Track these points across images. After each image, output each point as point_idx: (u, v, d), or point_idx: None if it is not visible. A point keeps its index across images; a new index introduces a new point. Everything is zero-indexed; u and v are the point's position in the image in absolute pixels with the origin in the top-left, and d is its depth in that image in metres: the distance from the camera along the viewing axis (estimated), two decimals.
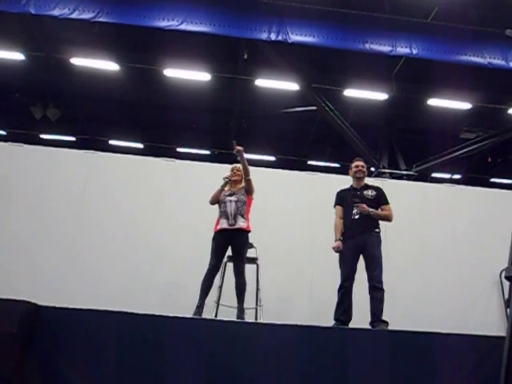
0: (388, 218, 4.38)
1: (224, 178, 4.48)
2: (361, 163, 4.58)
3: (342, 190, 4.57)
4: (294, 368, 3.03)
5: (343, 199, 4.46)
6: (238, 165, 4.56)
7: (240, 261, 4.27)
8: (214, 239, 4.31)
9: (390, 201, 4.44)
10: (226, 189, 4.48)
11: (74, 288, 5.09)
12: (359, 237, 4.19)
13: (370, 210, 4.23)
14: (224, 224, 4.26)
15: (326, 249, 4.41)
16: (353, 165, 4.60)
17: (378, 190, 4.47)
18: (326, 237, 4.45)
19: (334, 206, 4.51)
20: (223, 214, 4.30)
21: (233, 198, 4.35)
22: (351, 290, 4.14)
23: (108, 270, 5.37)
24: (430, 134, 11.31)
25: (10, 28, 8.70)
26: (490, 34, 8.20)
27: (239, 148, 4.33)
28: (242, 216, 4.30)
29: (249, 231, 4.35)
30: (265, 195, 5.82)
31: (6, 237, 5.38)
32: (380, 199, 4.40)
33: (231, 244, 4.28)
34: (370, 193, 4.40)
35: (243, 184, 4.49)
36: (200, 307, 4.02)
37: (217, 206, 4.48)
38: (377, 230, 4.27)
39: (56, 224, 5.56)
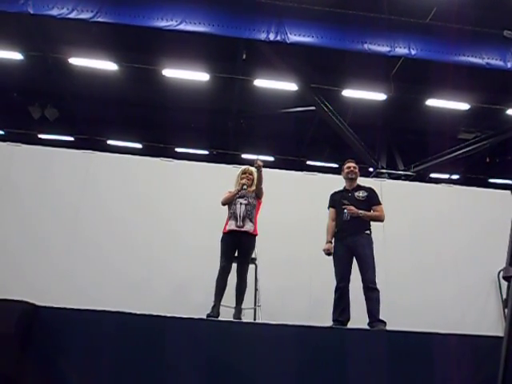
0: (379, 219, 4.37)
1: (243, 187, 4.41)
2: (353, 164, 4.58)
3: (335, 192, 4.59)
4: (292, 368, 3.03)
5: (335, 201, 4.47)
6: (251, 168, 4.57)
7: (245, 263, 4.30)
8: (222, 240, 4.32)
9: (388, 201, 4.46)
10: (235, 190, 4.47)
11: (72, 287, 5.09)
12: (349, 238, 4.21)
13: (360, 211, 4.23)
14: (232, 225, 4.27)
15: None
16: (345, 166, 4.60)
17: (369, 190, 4.46)
18: (325, 237, 4.46)
19: (328, 208, 4.54)
20: (232, 216, 4.31)
21: (243, 201, 4.35)
22: (347, 290, 4.15)
23: (106, 270, 5.36)
24: (429, 135, 11.33)
25: (9, 28, 8.68)
26: (489, 34, 8.22)
27: (260, 163, 4.33)
28: (251, 220, 4.31)
29: (255, 235, 4.36)
30: (263, 195, 5.83)
31: (3, 236, 5.38)
32: (371, 200, 4.39)
33: (238, 246, 4.29)
34: (360, 194, 4.40)
35: (253, 187, 4.49)
36: (215, 307, 4.06)
37: (222, 206, 4.48)
38: (367, 232, 4.27)
39: (54, 224, 5.55)
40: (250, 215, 4.32)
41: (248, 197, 4.40)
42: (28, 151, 5.95)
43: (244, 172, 4.59)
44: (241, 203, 4.33)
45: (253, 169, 4.57)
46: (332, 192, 4.62)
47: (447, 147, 11.24)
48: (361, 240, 4.20)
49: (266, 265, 4.88)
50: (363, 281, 4.07)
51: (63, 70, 10.37)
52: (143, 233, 5.63)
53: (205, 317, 3.92)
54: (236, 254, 4.33)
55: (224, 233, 4.33)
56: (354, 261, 4.22)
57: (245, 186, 4.40)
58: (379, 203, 4.42)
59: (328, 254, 4.28)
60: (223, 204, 4.43)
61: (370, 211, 4.34)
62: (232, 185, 4.60)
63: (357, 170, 4.57)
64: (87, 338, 2.96)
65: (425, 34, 8.35)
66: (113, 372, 2.88)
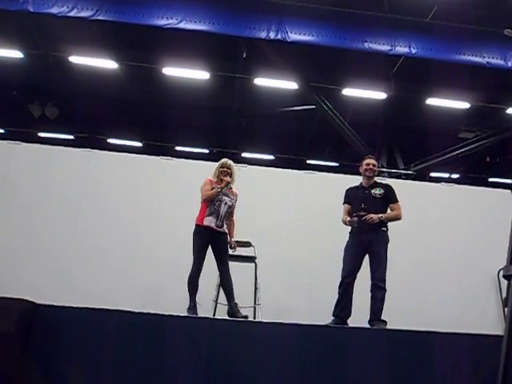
0: (397, 218, 4.30)
1: (228, 185, 4.28)
2: (372, 161, 4.47)
3: (351, 188, 4.51)
4: (292, 366, 3.04)
5: (350, 197, 4.41)
6: (229, 161, 4.44)
7: (227, 262, 4.22)
8: (198, 234, 4.17)
9: None
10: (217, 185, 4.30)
11: (72, 286, 5.09)
12: (365, 234, 4.15)
13: (380, 216, 4.14)
14: (212, 223, 4.15)
15: (324, 247, 4.42)
16: (364, 162, 4.48)
17: (386, 187, 4.40)
18: (325, 235, 4.46)
19: (343, 204, 4.46)
20: (214, 213, 4.18)
21: (228, 201, 4.26)
22: (352, 287, 4.12)
23: (106, 268, 5.36)
24: (429, 134, 11.33)
25: (9, 26, 8.68)
26: (489, 33, 8.21)
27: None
28: (226, 221, 4.26)
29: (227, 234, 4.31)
30: (263, 194, 5.83)
31: (3, 235, 5.38)
32: (388, 198, 4.34)
33: (213, 244, 4.19)
34: (377, 191, 4.33)
35: (234, 187, 4.39)
36: (194, 307, 3.98)
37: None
38: (383, 229, 4.22)
39: (54, 222, 5.55)
40: (227, 217, 4.26)
41: (231, 198, 4.30)
42: (28, 150, 5.95)
43: (222, 166, 4.40)
44: (225, 203, 4.24)
45: (231, 162, 4.44)
46: (348, 187, 4.54)
47: (447, 146, 11.25)
48: (377, 237, 4.16)
49: (265, 263, 4.88)
50: (372, 278, 4.04)
51: (63, 68, 10.36)
52: (143, 231, 5.63)
53: (204, 315, 3.92)
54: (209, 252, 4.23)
55: (200, 225, 4.18)
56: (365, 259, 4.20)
57: (230, 185, 4.30)
58: (396, 201, 4.35)
59: (352, 224, 4.17)
60: (206, 201, 4.25)
61: (386, 208, 4.29)
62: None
63: (376, 168, 4.49)
64: (87, 336, 2.96)
65: (425, 33, 8.35)
66: (112, 370, 2.88)
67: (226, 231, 4.26)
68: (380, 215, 4.16)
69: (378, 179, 4.66)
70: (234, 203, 4.32)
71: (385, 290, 4.01)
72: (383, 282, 4.02)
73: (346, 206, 4.43)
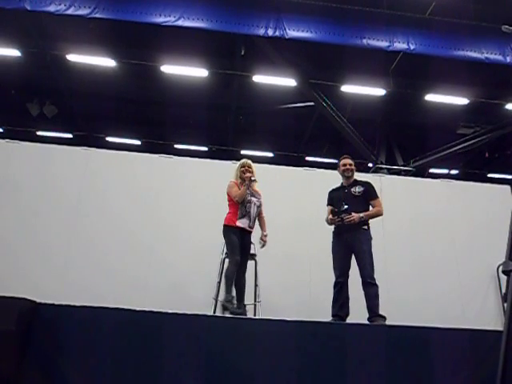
0: (378, 214, 4.33)
1: (252, 179, 4.35)
2: (349, 161, 4.50)
3: (333, 190, 4.58)
4: (292, 363, 3.04)
5: (333, 199, 4.47)
6: (249, 161, 4.56)
7: (247, 260, 4.40)
8: (231, 233, 4.24)
9: (387, 196, 4.44)
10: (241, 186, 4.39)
11: (72, 284, 5.09)
12: (347, 235, 4.20)
13: (360, 215, 4.16)
14: (245, 224, 4.28)
15: (324, 244, 4.42)
16: (341, 163, 4.52)
17: (366, 184, 4.42)
18: (325, 233, 4.46)
19: (327, 206, 4.51)
20: (246, 215, 4.30)
21: (256, 201, 4.40)
22: (346, 286, 4.16)
23: (106, 268, 5.36)
24: (428, 130, 11.33)
25: (6, 24, 8.64)
26: (488, 29, 8.19)
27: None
28: (256, 221, 4.44)
29: None
30: (263, 191, 5.80)
31: (3, 234, 5.37)
32: (368, 194, 4.36)
33: (243, 243, 4.29)
34: (357, 189, 4.36)
35: (257, 187, 4.54)
36: (233, 298, 4.10)
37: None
38: (364, 227, 4.24)
39: (54, 221, 5.55)
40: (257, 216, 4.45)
41: (258, 198, 4.45)
42: (27, 148, 5.94)
43: (243, 165, 4.52)
44: (254, 203, 4.37)
45: (250, 162, 4.57)
46: (330, 189, 4.60)
47: (446, 142, 11.26)
48: (358, 235, 4.19)
49: (265, 260, 4.88)
50: (361, 276, 4.08)
51: (61, 66, 10.33)
52: (143, 229, 5.63)
53: (203, 312, 3.92)
54: None
55: (232, 226, 4.26)
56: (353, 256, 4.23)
57: (253, 178, 4.37)
58: (376, 197, 4.37)
59: (334, 222, 4.24)
60: (239, 201, 4.30)
61: (367, 206, 4.33)
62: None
63: (353, 167, 4.50)
64: (87, 335, 2.96)
65: (424, 29, 8.33)
66: (112, 368, 2.89)
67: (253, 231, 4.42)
68: (361, 214, 4.18)
69: (374, 176, 4.67)
70: (261, 202, 4.48)
71: (376, 286, 4.04)
72: (373, 279, 4.05)
73: (330, 207, 4.45)
